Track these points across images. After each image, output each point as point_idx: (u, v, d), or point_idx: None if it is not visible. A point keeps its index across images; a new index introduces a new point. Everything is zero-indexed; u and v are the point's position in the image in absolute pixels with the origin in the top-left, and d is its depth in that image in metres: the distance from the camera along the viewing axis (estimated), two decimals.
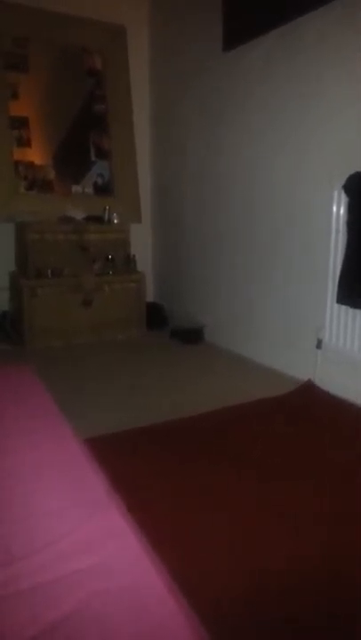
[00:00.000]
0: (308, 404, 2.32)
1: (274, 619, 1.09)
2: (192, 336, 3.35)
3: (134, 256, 3.54)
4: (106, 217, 3.45)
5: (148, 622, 0.65)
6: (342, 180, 2.16)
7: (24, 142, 3.41)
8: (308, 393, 2.43)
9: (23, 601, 0.67)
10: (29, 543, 0.78)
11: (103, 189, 3.65)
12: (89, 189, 3.61)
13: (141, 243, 3.77)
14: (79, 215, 3.40)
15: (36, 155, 3.46)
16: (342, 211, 2.20)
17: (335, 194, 2.21)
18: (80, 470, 0.99)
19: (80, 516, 0.84)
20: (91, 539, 0.79)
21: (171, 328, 3.56)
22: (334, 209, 2.23)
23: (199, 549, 1.30)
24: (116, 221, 3.48)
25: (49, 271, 3.23)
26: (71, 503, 0.88)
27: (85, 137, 3.63)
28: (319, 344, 2.42)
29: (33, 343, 3.19)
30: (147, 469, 1.71)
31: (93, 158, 3.64)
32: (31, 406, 1.27)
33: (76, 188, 3.57)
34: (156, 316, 3.69)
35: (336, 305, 2.26)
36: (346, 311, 2.24)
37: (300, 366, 2.58)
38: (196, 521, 1.43)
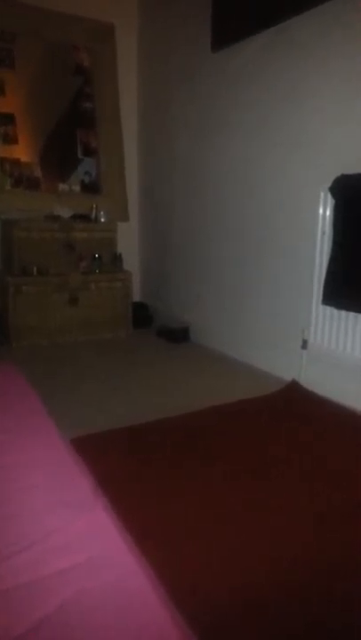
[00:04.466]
0: (293, 404, 2.34)
1: (261, 618, 1.10)
2: (178, 336, 3.36)
3: (121, 255, 3.53)
4: (93, 215, 3.44)
5: (132, 621, 0.66)
6: (329, 182, 2.18)
7: (10, 139, 3.38)
8: (294, 393, 2.45)
9: (9, 599, 0.67)
10: (15, 542, 0.77)
11: (90, 187, 3.64)
12: (76, 187, 3.60)
13: (128, 241, 3.76)
14: (66, 213, 3.38)
15: (23, 152, 3.43)
16: (328, 212, 2.22)
17: (321, 195, 2.23)
18: (66, 470, 0.99)
19: (66, 515, 0.84)
20: (76, 538, 0.79)
21: (156, 327, 3.57)
22: (320, 210, 2.25)
23: (185, 549, 1.31)
24: (103, 220, 3.47)
25: (35, 269, 3.21)
26: (57, 502, 0.88)
27: (73, 134, 3.61)
28: (304, 344, 2.44)
29: (18, 341, 3.17)
30: (133, 469, 1.71)
31: (80, 156, 3.63)
32: (17, 405, 1.27)
33: (63, 186, 3.55)
34: (141, 315, 3.70)
35: (321, 306, 2.29)
36: (331, 312, 2.26)
37: (285, 366, 2.60)
38: (182, 520, 1.43)
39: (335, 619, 1.12)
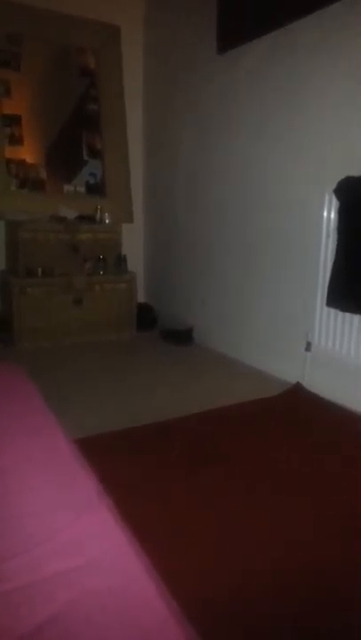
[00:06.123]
0: (296, 407, 2.33)
1: (263, 619, 1.10)
2: (182, 337, 3.36)
3: (125, 256, 3.53)
4: (98, 217, 3.45)
5: (137, 623, 0.65)
6: (333, 184, 2.18)
7: (16, 140, 3.39)
8: (297, 395, 2.44)
9: (10, 601, 0.67)
10: (18, 543, 0.77)
11: (95, 189, 3.64)
12: (81, 189, 3.60)
13: (133, 243, 3.77)
14: (71, 215, 3.39)
15: (29, 153, 3.44)
16: (333, 215, 2.22)
17: (326, 198, 2.23)
18: (70, 470, 0.99)
19: (70, 515, 0.84)
20: (80, 538, 0.79)
21: (160, 329, 3.57)
22: (325, 213, 2.25)
23: (188, 550, 1.31)
24: (107, 221, 3.47)
25: (39, 270, 3.22)
26: (61, 503, 0.88)
27: (78, 136, 3.62)
28: (308, 347, 2.43)
29: (22, 342, 3.17)
30: (136, 470, 1.71)
31: (86, 158, 3.64)
32: (21, 405, 1.27)
33: (67, 188, 3.56)
34: (145, 317, 3.70)
35: (325, 308, 2.28)
36: (335, 314, 2.26)
37: (289, 369, 2.59)
38: (186, 522, 1.43)
39: (335, 619, 1.12)
